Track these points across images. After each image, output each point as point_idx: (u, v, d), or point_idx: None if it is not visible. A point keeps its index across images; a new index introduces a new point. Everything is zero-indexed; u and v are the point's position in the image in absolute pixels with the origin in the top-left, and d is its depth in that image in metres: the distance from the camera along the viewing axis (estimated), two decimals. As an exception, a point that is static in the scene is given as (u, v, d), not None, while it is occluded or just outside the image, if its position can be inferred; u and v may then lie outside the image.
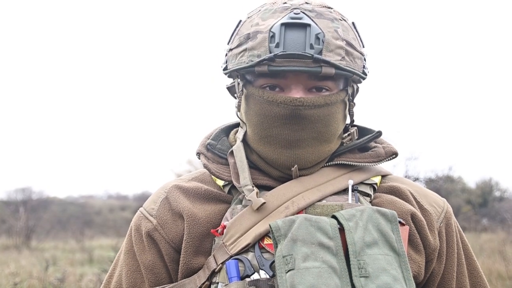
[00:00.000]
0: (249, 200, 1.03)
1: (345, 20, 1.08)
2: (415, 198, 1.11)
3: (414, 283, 0.96)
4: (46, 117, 34.78)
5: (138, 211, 1.14)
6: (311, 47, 1.00)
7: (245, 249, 1.00)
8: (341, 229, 0.96)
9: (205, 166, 1.11)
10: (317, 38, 1.01)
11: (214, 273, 1.02)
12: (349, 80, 1.07)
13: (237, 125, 1.18)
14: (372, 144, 1.15)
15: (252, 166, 1.08)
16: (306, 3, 1.06)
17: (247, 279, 0.98)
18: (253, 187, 1.03)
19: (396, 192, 1.11)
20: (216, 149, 1.12)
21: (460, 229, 1.17)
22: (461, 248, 1.15)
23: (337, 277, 0.92)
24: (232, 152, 1.09)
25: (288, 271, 0.92)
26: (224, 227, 1.03)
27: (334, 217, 0.98)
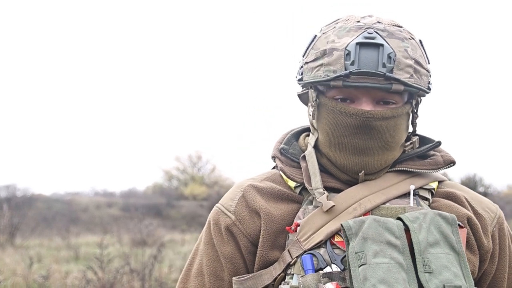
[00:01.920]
0: (320, 202, 1.13)
1: (413, 39, 1.16)
2: (469, 204, 1.20)
3: (472, 280, 1.05)
4: (31, 113, 34.44)
5: (215, 207, 1.24)
6: (383, 65, 1.09)
7: (318, 245, 1.11)
8: (406, 230, 1.06)
9: (281, 169, 1.22)
10: (389, 57, 1.10)
11: (289, 266, 1.12)
12: (414, 94, 1.16)
13: (305, 130, 1.28)
14: (431, 152, 1.23)
15: (321, 169, 1.18)
16: (378, 22, 1.15)
17: (321, 272, 1.08)
18: (323, 190, 1.13)
19: (452, 197, 1.20)
20: (288, 153, 1.23)
21: (511, 233, 1.26)
22: None
23: (404, 272, 1.03)
24: (304, 157, 1.19)
25: (361, 265, 1.03)
26: (298, 225, 1.13)
27: (399, 219, 1.09)
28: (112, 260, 6.67)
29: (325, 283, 1.06)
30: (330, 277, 1.07)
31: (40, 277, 6.32)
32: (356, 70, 1.08)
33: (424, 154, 1.23)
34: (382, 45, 1.09)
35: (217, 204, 1.24)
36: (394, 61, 1.09)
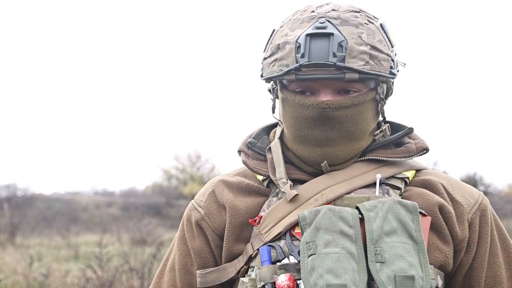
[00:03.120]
0: (284, 192, 1.12)
1: (372, 23, 1.13)
2: (446, 191, 1.16)
3: (430, 270, 1.02)
4: (31, 113, 34.46)
5: (190, 203, 1.25)
6: (334, 55, 1.06)
7: (278, 237, 1.10)
8: (362, 219, 1.04)
9: (244, 163, 1.21)
10: (340, 45, 1.07)
11: (251, 258, 1.12)
12: (378, 80, 1.13)
13: (277, 124, 1.26)
14: (406, 139, 1.21)
15: (288, 161, 1.17)
16: (333, 10, 1.12)
17: (278, 263, 1.07)
18: (287, 180, 1.13)
19: (427, 185, 1.16)
20: (256, 147, 1.23)
21: (499, 221, 1.20)
22: (497, 240, 1.19)
23: (355, 262, 1.00)
24: (270, 148, 1.19)
25: (310, 255, 1.01)
26: (261, 217, 1.13)
27: (357, 208, 1.06)
28: (112, 259, 6.73)
29: (280, 274, 1.05)
30: (286, 268, 1.06)
31: (40, 276, 6.37)
32: (306, 63, 1.06)
33: (399, 142, 1.20)
34: (332, 34, 1.07)
35: (191, 200, 1.25)
36: (346, 49, 1.06)
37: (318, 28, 1.08)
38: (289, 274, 1.04)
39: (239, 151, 1.24)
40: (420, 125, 1.24)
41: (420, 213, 1.06)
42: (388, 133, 1.19)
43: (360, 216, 1.04)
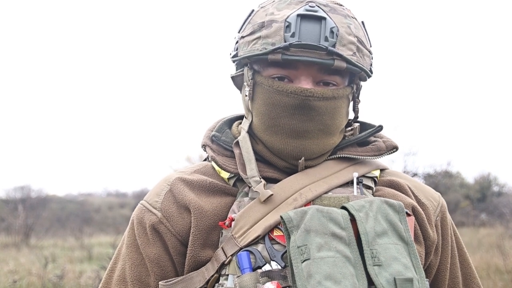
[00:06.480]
0: (256, 191, 1.03)
1: (355, 19, 1.10)
2: (413, 193, 1.14)
3: (423, 271, 0.97)
4: (45, 115, 34.75)
5: (139, 204, 1.12)
6: (326, 39, 1.01)
7: (255, 241, 1.00)
8: (352, 220, 0.98)
9: (213, 159, 1.10)
10: (332, 31, 1.02)
11: (223, 265, 1.01)
12: (355, 76, 1.09)
13: (238, 117, 1.18)
14: (372, 138, 1.16)
15: (257, 158, 1.08)
16: None
17: (259, 270, 0.97)
18: (260, 178, 1.03)
19: (395, 186, 1.13)
20: (221, 141, 1.12)
21: (452, 222, 1.19)
22: (454, 241, 1.18)
23: (351, 266, 0.93)
24: (237, 143, 1.09)
25: (304, 261, 0.93)
26: (232, 219, 1.02)
27: (344, 208, 1.00)
28: (125, 260, 6.73)
29: (264, 283, 0.95)
30: (269, 275, 0.96)
31: (55, 277, 6.42)
32: (297, 42, 0.99)
33: (366, 140, 1.15)
34: (324, 18, 1.02)
35: (141, 201, 1.12)
36: (337, 36, 1.02)
37: (309, 10, 1.03)
38: (276, 282, 0.95)
39: (204, 146, 1.13)
40: (433, 125, 1.19)
41: (406, 212, 1.02)
42: (358, 133, 1.14)
43: (349, 217, 0.98)
